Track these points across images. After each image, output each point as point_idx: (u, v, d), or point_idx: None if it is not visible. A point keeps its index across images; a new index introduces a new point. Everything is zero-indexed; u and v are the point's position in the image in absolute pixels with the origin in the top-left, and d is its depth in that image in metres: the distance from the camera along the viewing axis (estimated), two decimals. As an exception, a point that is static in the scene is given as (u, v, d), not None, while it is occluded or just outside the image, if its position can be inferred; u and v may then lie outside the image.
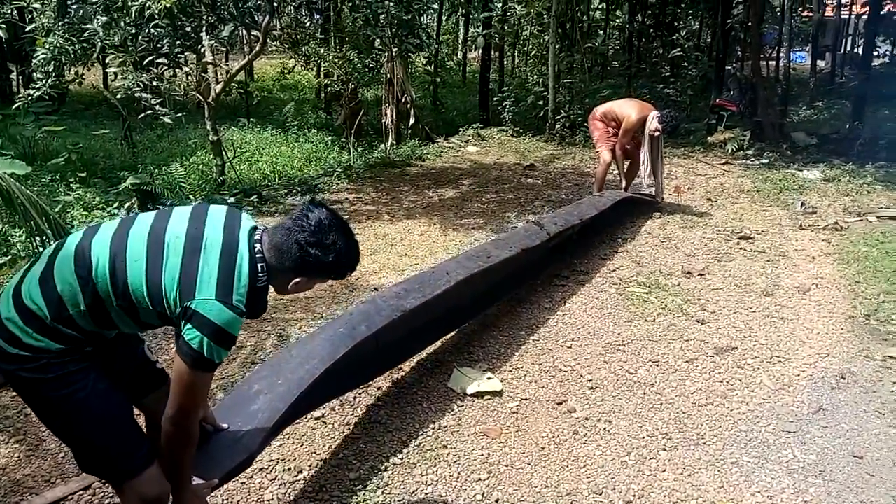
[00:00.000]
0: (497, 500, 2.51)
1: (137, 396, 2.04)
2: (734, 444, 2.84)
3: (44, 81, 6.78)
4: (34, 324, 1.74)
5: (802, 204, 6.36)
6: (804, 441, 2.85)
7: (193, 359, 1.70)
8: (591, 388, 3.31)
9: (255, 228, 1.85)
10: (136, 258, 1.75)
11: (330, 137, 10.07)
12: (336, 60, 9.19)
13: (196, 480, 1.95)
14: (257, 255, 1.80)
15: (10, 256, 5.06)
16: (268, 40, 7.72)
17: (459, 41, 16.49)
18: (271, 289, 1.87)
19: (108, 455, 1.84)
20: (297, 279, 1.83)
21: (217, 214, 1.86)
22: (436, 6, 14.00)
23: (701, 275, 4.73)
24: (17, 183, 3.68)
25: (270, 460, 2.69)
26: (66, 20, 6.87)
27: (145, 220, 1.85)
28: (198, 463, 1.94)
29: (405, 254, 5.21)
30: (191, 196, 6.52)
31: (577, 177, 7.79)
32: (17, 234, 5.30)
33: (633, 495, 2.54)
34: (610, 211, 5.39)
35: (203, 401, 1.92)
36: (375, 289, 4.48)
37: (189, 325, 1.69)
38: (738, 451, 2.79)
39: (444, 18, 16.26)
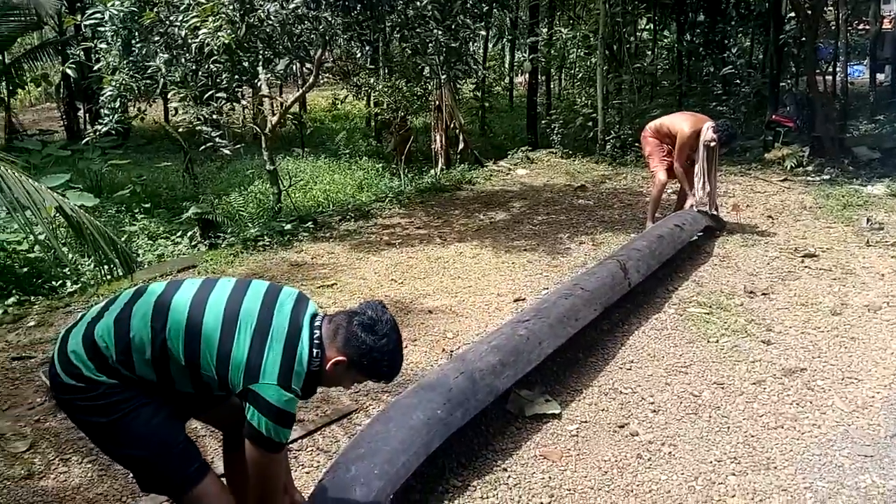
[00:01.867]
0: (560, 527, 2.46)
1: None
2: (807, 469, 2.72)
3: (110, 117, 7.10)
4: (97, 361, 1.87)
5: (868, 220, 6.12)
6: (882, 466, 2.71)
7: (260, 440, 1.87)
8: (654, 411, 3.23)
9: (315, 315, 2.02)
10: (212, 328, 1.89)
11: (381, 164, 10.22)
12: (386, 89, 9.36)
13: None
14: (315, 341, 1.93)
15: (80, 284, 5.28)
16: (320, 72, 7.94)
17: (506, 66, 16.60)
18: None
19: (160, 470, 1.93)
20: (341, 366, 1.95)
21: (287, 300, 2.01)
22: (483, 33, 14.16)
23: (765, 294, 4.59)
24: (86, 214, 3.86)
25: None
26: (131, 58, 7.21)
27: (223, 289, 1.99)
28: None
29: (458, 276, 5.22)
30: (249, 224, 6.68)
31: (630, 196, 7.69)
32: (87, 264, 5.54)
33: (703, 521, 2.45)
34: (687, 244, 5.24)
35: (278, 482, 2.07)
36: (430, 311, 4.49)
37: (252, 409, 1.86)
38: (811, 476, 2.67)
39: (490, 45, 16.41)
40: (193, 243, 6.53)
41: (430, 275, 5.30)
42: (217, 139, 6.39)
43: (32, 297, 5.05)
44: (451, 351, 3.93)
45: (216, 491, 1.97)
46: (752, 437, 2.97)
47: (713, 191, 5.87)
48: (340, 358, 1.93)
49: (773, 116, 9.84)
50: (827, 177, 8.02)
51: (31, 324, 4.53)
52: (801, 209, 6.75)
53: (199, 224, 6.73)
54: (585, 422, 3.15)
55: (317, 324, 1.98)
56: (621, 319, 4.23)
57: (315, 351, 1.92)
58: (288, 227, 6.49)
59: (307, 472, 2.83)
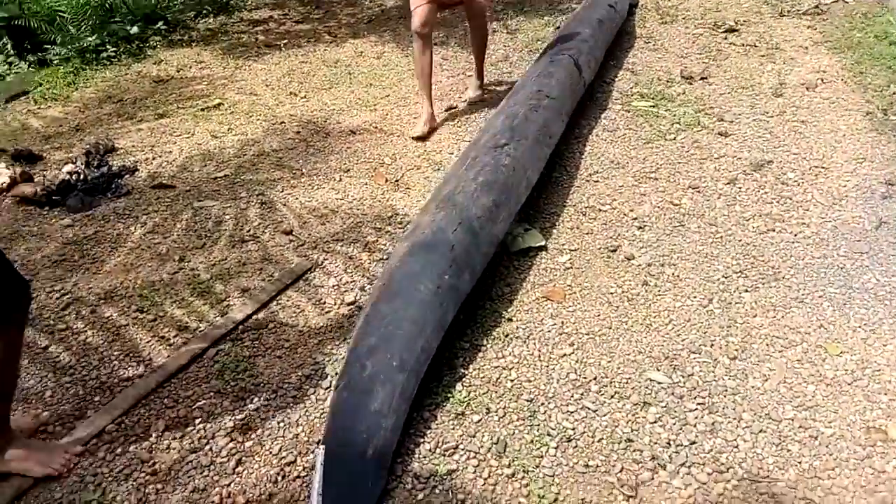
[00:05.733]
0: (595, 378, 2.23)
1: None
2: (814, 276, 2.63)
3: None
4: None
5: (776, -14, 5.89)
6: (880, 262, 2.68)
7: None
8: (639, 227, 2.98)
9: None
10: None
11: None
12: None
13: None
14: None
15: None
16: None
17: None
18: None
19: None
20: None
21: None
22: None
23: (703, 79, 4.32)
24: None
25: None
26: None
27: None
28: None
29: (369, 83, 4.47)
30: (77, 29, 5.26)
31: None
32: None
33: (737, 349, 2.31)
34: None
35: None
36: (353, 132, 3.82)
37: None
38: (821, 283, 2.59)
39: None
40: (7, 60, 5.09)
41: (334, 84, 4.50)
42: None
43: None
44: (397, 180, 3.38)
45: None
46: (749, 244, 2.83)
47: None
48: None
49: None
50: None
51: None
52: (707, -24, 6.37)
53: (7, 32, 5.22)
54: (575, 250, 2.85)
55: None
56: (571, 122, 3.82)
57: None
58: (134, 29, 5.20)
59: (278, 357, 2.35)
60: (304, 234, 3.02)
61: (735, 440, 2.00)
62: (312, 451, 1.98)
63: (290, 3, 6.19)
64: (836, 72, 4.34)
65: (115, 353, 2.38)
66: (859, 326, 2.39)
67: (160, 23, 5.41)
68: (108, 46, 4.96)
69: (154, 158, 3.67)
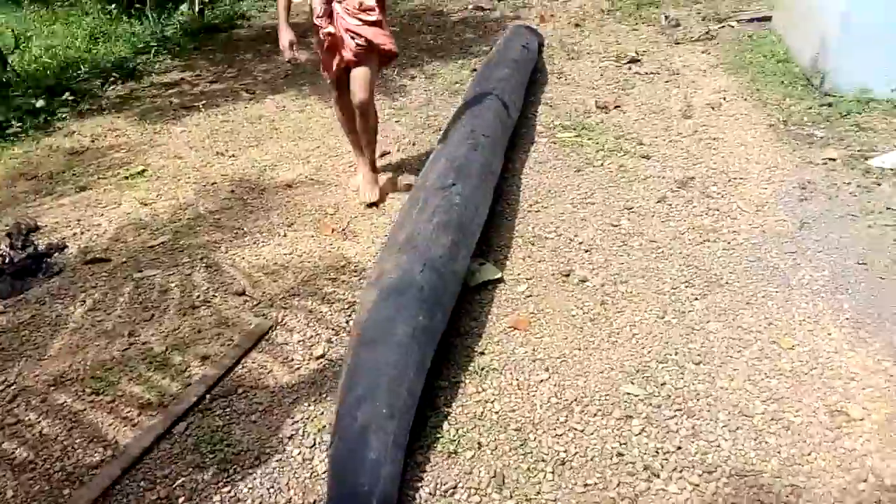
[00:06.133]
0: (575, 399, 2.28)
1: None
2: (754, 278, 2.82)
3: None
4: None
5: (666, 17, 6.36)
6: (809, 259, 2.91)
7: None
8: (586, 250, 3.10)
9: None
10: None
11: (112, 5, 8.22)
12: None
13: None
14: None
15: None
16: None
17: None
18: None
19: None
20: None
21: None
22: None
23: (617, 107, 4.59)
24: None
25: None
26: None
27: None
28: None
29: (297, 137, 4.47)
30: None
31: (435, 18, 7.13)
32: None
33: (699, 354, 2.43)
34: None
35: None
36: (289, 186, 3.81)
37: None
38: (762, 285, 2.78)
39: None
40: None
41: (261, 140, 4.47)
42: None
43: None
44: (344, 229, 3.38)
45: None
46: (689, 256, 3.00)
47: None
48: None
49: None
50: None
51: None
52: (601, 13, 6.80)
53: None
54: (530, 278, 2.93)
55: None
56: (504, 156, 3.95)
57: None
58: (40, 103, 4.98)
59: (254, 422, 2.27)
60: (258, 292, 2.95)
61: (716, 440, 2.09)
62: (310, 513, 1.93)
63: (199, 63, 6.12)
64: (736, 90, 4.71)
65: (78, 441, 2.23)
66: (803, 320, 2.57)
67: (66, 94, 5.21)
68: (12, 122, 4.73)
69: (82, 233, 3.51)
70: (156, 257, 3.27)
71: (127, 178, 4.06)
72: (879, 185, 3.42)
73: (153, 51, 6.33)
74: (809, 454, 2.03)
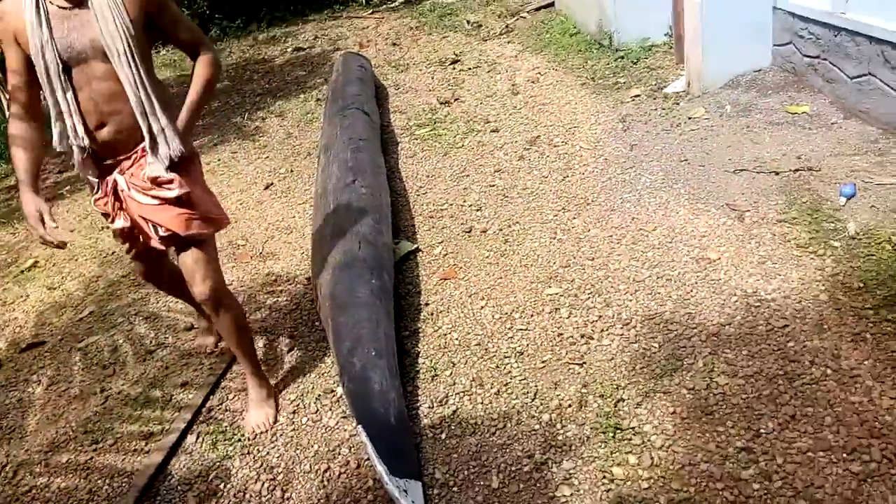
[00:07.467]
0: (513, 310, 2.80)
1: None
2: (611, 192, 3.51)
3: None
4: None
5: (468, 22, 7.19)
6: (645, 168, 3.66)
7: None
8: (477, 209, 3.66)
9: None
10: None
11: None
12: None
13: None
14: None
15: None
16: None
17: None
18: None
19: None
20: None
21: None
22: None
23: (456, 100, 5.24)
24: None
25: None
26: None
27: None
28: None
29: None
30: None
31: (259, 65, 7.48)
32: None
33: (590, 254, 3.05)
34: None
35: None
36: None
37: None
38: (617, 194, 3.47)
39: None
40: None
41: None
42: None
43: None
44: (261, 253, 3.69)
45: None
46: (557, 191, 3.65)
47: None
48: None
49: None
50: (400, 2, 8.90)
51: None
52: (412, 30, 7.52)
53: None
54: (441, 241, 3.43)
55: None
56: (378, 160, 4.43)
57: None
58: None
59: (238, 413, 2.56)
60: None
61: (623, 303, 2.70)
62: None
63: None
64: (546, 65, 5.55)
65: (100, 483, 2.40)
66: (656, 209, 3.29)
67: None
68: None
69: (2, 330, 3.53)
70: (90, 327, 3.39)
71: (22, 272, 4.07)
72: (678, 104, 4.30)
73: (-14, 158, 6.13)
74: (691, 291, 2.69)
